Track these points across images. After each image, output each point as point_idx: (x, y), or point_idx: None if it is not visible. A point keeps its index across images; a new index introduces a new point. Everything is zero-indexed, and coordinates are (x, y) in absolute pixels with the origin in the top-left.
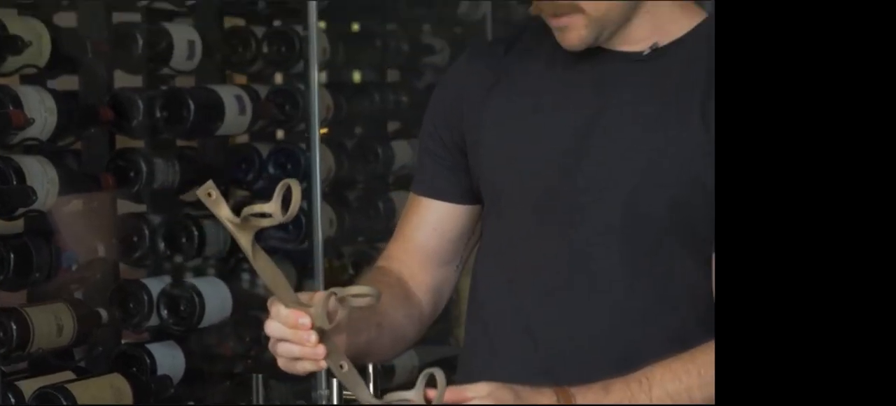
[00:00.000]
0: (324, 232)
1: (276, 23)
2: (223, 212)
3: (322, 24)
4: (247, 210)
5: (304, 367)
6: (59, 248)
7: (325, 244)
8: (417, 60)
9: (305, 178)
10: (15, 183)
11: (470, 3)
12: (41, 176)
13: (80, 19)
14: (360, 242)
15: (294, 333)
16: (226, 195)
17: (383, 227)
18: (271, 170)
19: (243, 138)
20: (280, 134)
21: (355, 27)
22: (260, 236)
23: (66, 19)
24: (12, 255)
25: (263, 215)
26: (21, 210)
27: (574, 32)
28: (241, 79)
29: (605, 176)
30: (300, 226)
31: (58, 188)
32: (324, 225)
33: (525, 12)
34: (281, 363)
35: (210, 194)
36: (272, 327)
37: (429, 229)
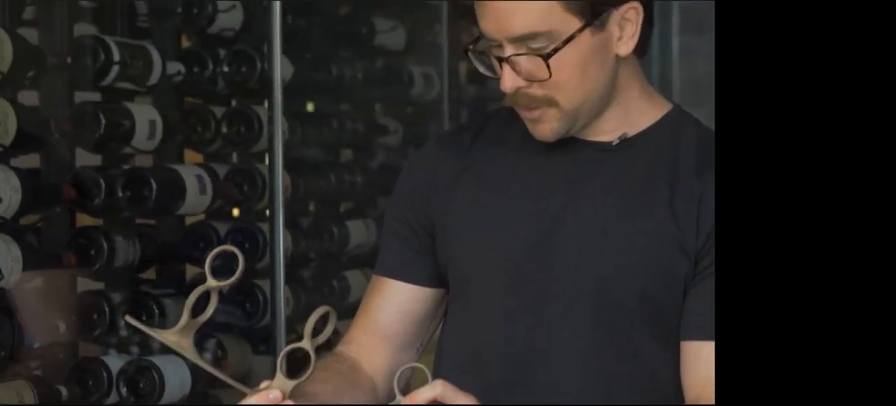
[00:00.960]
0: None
1: (233, 102)
2: (160, 335)
3: None
4: (187, 307)
5: None
6: (21, 325)
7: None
8: (372, 140)
9: (263, 256)
10: None
11: (424, 83)
12: (5, 254)
13: (43, 98)
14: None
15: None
16: (183, 273)
17: (338, 306)
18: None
19: (199, 216)
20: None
21: (310, 107)
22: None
23: (28, 98)
24: None
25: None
26: None
27: (547, 125)
28: (196, 157)
29: (573, 265)
30: (257, 303)
31: (21, 266)
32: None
33: (477, 92)
34: None
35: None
36: None
37: (392, 311)
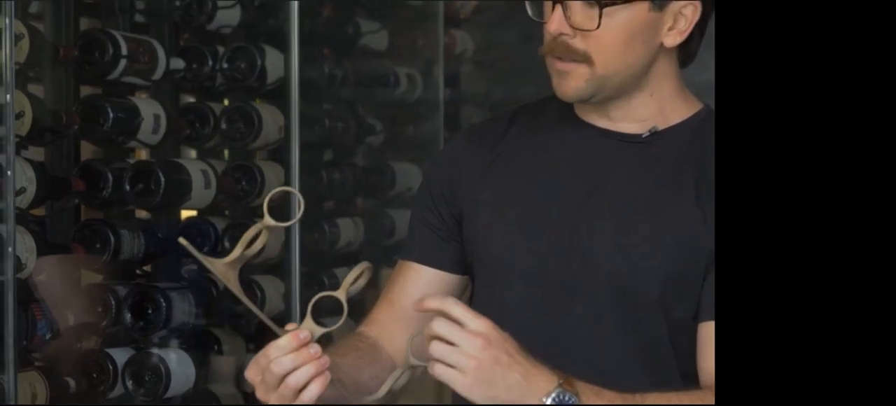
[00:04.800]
0: (272, 304)
1: (226, 101)
2: (211, 263)
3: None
4: (243, 240)
5: (311, 395)
6: (34, 316)
7: (272, 318)
8: (359, 139)
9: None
10: None
11: (407, 84)
12: (21, 245)
13: (49, 91)
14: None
15: (299, 354)
16: (177, 266)
17: (328, 304)
18: (227, 244)
19: (192, 211)
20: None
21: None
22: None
23: (34, 90)
24: None
25: (253, 243)
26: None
27: (573, 82)
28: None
29: (597, 254)
30: (255, 299)
31: (36, 257)
32: (273, 298)
33: (451, 94)
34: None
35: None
36: (282, 363)
37: (416, 294)
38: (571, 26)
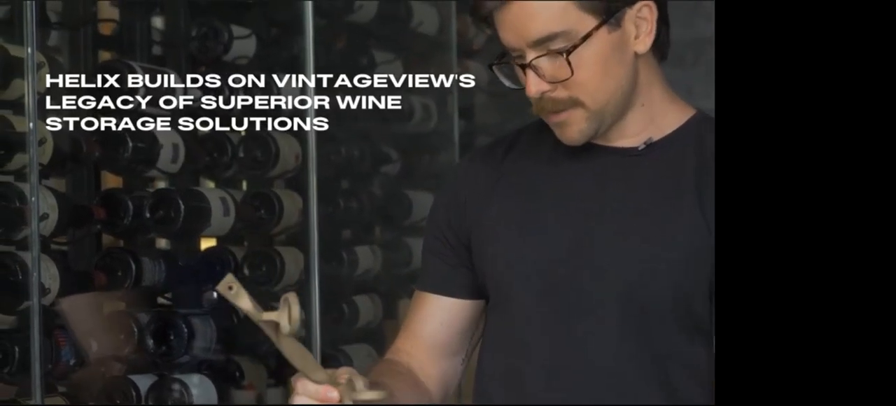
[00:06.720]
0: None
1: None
2: (245, 304)
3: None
4: (267, 315)
5: None
6: (57, 343)
7: None
8: (375, 168)
9: (280, 280)
10: (21, 277)
11: (422, 113)
12: (44, 271)
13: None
14: (324, 346)
15: None
16: (198, 294)
17: (348, 332)
18: (246, 272)
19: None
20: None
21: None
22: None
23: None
24: (16, 349)
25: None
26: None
27: (574, 127)
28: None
29: (605, 271)
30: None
31: (59, 285)
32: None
33: (467, 126)
34: None
35: (231, 287)
36: (301, 401)
37: (435, 323)
38: (548, 82)
